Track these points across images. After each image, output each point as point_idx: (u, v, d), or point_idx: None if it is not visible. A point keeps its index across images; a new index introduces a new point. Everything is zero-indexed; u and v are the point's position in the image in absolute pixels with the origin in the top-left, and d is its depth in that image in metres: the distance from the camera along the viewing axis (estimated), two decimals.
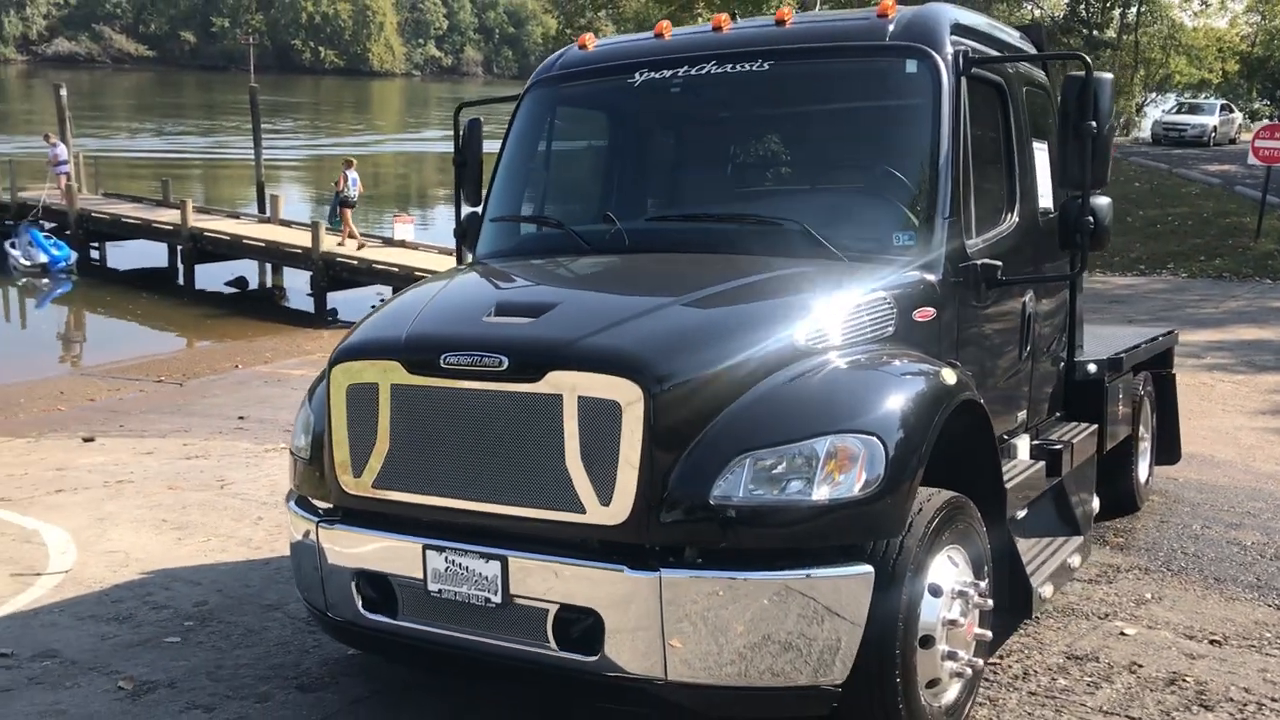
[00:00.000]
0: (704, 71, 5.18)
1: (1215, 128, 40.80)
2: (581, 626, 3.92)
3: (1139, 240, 25.52)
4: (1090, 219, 4.96)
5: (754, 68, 5.09)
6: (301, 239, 24.38)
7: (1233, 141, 41.35)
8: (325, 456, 4.41)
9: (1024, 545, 5.53)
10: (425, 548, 4.14)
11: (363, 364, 4.28)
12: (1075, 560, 5.67)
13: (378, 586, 4.33)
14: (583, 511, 3.87)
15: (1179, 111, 43.99)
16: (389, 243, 25.26)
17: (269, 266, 27.12)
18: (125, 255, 29.65)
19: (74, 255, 27.11)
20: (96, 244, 29.62)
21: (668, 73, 5.26)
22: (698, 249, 4.94)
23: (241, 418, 12.59)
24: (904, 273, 4.64)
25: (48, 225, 28.83)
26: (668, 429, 3.80)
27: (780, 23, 5.25)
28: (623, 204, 5.53)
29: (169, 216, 27.16)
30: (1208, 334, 16.59)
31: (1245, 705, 4.88)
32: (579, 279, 4.94)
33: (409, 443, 4.18)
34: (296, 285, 25.96)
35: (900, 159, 4.99)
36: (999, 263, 4.95)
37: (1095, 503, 6.32)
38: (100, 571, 6.86)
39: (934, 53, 4.88)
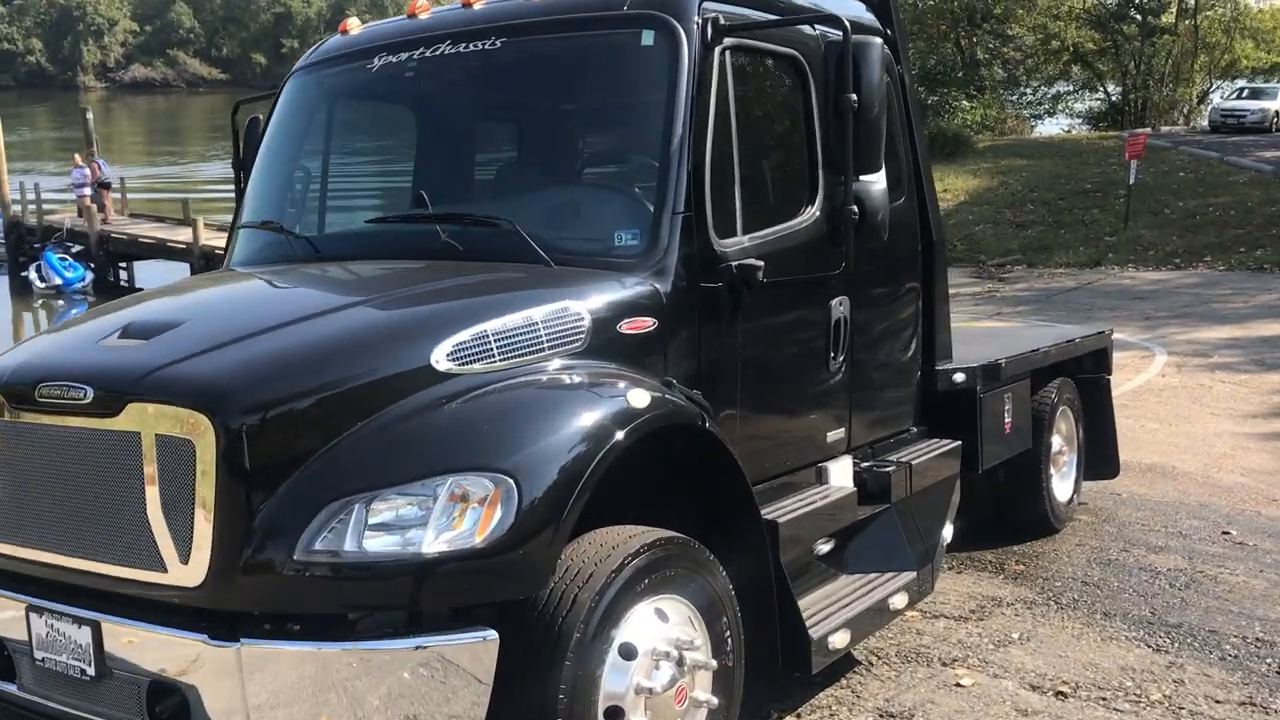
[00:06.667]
0: (438, 53, 4.58)
1: (1278, 112, 38.94)
2: (172, 704, 3.34)
3: (1176, 233, 24.24)
4: (855, 209, 4.25)
5: (486, 46, 4.48)
6: None
7: None
8: None
9: (830, 585, 4.86)
10: (29, 609, 3.60)
11: None
12: (899, 600, 4.94)
13: None
14: (164, 570, 3.30)
15: (1238, 96, 42.13)
16: None
17: None
18: (153, 275, 29.78)
19: (89, 276, 27.34)
20: (124, 264, 29.84)
21: (404, 55, 4.68)
22: (414, 253, 4.34)
23: None
24: (617, 277, 3.98)
25: (75, 248, 29.17)
26: (250, 472, 3.21)
27: None
28: (373, 201, 4.98)
29: (184, 235, 27.20)
30: (1225, 330, 15.55)
31: None
32: (243, 291, 4.37)
33: (8, 488, 3.65)
34: None
35: (633, 146, 4.35)
36: (759, 263, 4.26)
37: (947, 531, 5.56)
38: None
39: (674, 21, 4.22)
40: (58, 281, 26.70)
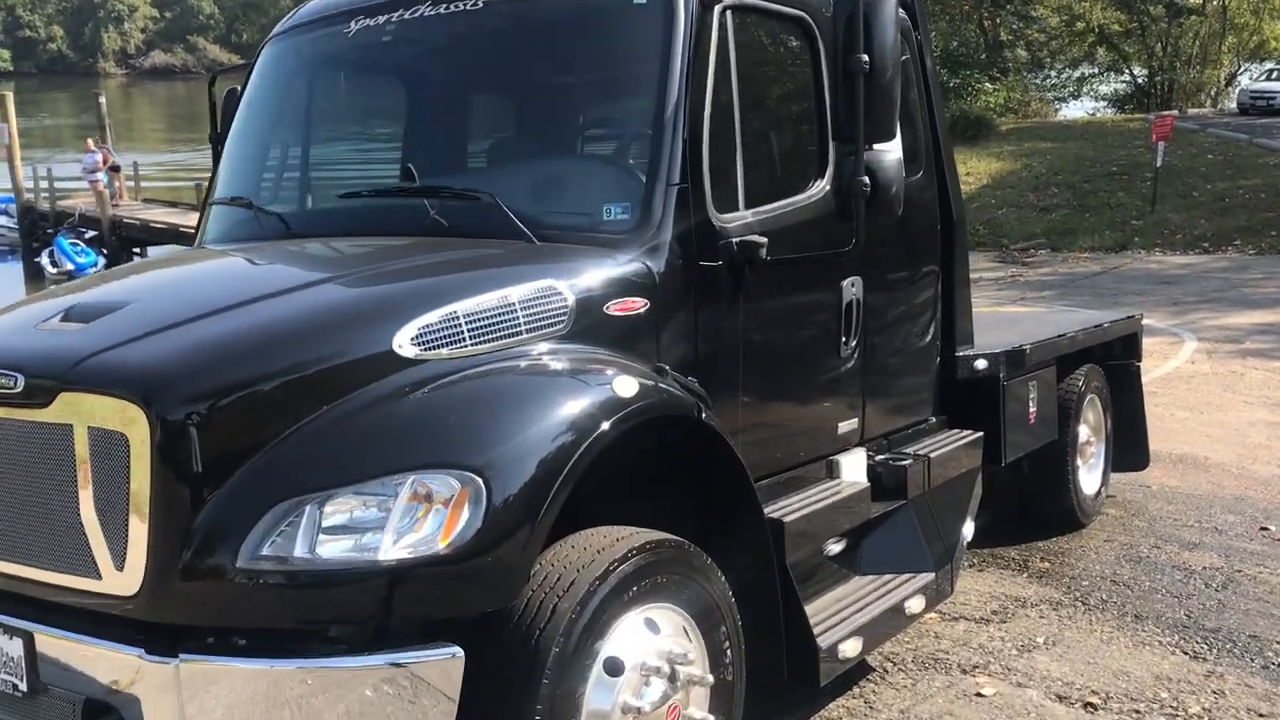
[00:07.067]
0: (417, 15, 4.24)
1: None
2: None
3: (1204, 216, 23.70)
4: (866, 180, 3.89)
5: (467, 6, 4.14)
6: None
7: None
8: None
9: (841, 588, 4.53)
10: None
11: None
12: (916, 604, 4.59)
13: None
14: (99, 577, 2.99)
15: (1267, 78, 41.30)
16: None
17: None
18: None
19: (101, 261, 27.15)
20: (138, 249, 29.64)
21: (381, 18, 4.34)
22: (389, 230, 4.01)
23: None
24: (605, 254, 3.65)
25: (88, 233, 29.03)
26: (189, 468, 2.88)
27: None
28: (349, 174, 4.68)
29: (196, 220, 26.91)
30: (1257, 315, 15.10)
31: None
32: (198, 271, 4.05)
33: None
34: None
35: (624, 113, 4.01)
36: (763, 240, 3.91)
37: (968, 528, 5.21)
38: None
39: None
40: (70, 267, 26.51)
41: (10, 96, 30.93)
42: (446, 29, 4.20)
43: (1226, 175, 26.34)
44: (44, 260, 27.35)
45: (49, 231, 29.42)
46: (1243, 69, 50.54)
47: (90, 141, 31.27)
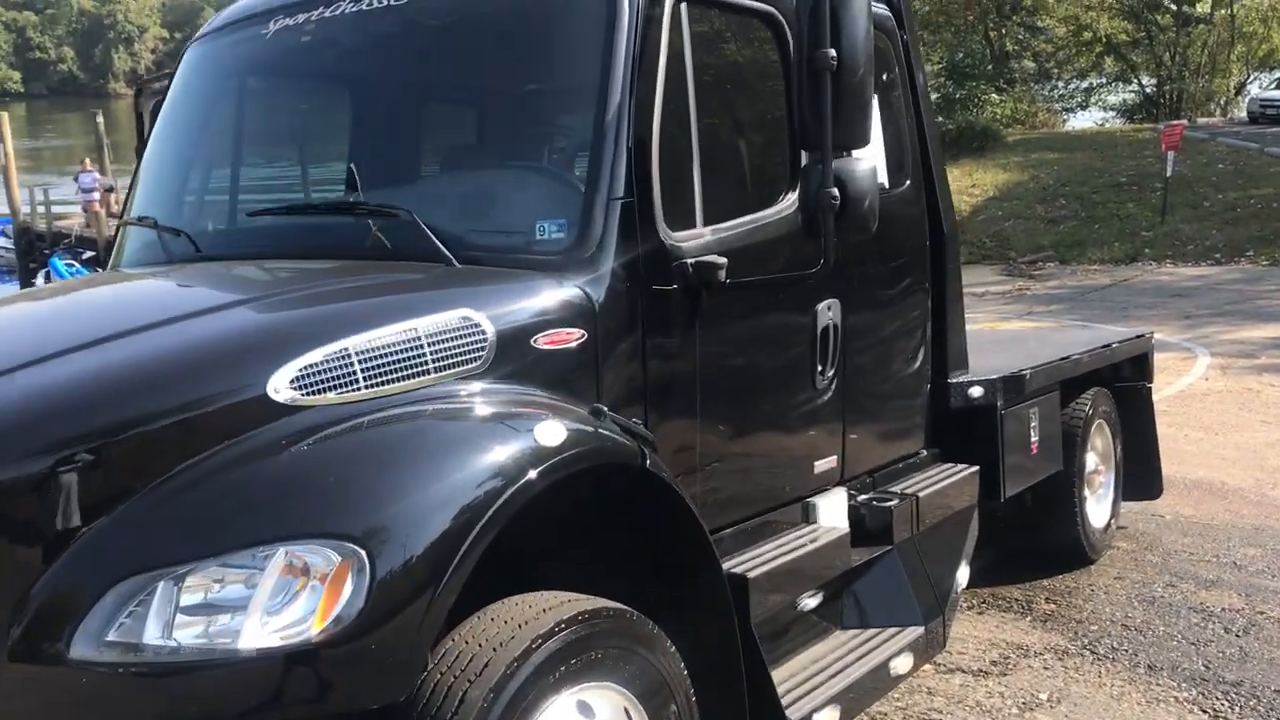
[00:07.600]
0: (338, 12, 3.81)
1: None
2: None
3: (1216, 226, 23.20)
4: (834, 192, 3.43)
5: (390, 1, 3.70)
6: None
7: None
8: None
9: (818, 647, 4.06)
10: None
11: None
12: (902, 663, 4.12)
13: None
14: None
15: (1277, 87, 40.81)
16: None
17: None
18: None
19: None
20: None
21: (300, 18, 3.91)
22: (303, 252, 3.59)
23: None
24: (536, 278, 3.20)
25: (85, 254, 28.71)
26: (19, 539, 2.45)
27: None
28: (266, 191, 4.25)
29: None
30: (1272, 329, 14.63)
31: None
32: (67, 303, 3.63)
33: None
34: None
35: (560, 117, 3.57)
36: (722, 260, 3.46)
37: (963, 574, 4.74)
38: None
39: None
40: None
41: (5, 117, 30.65)
42: (369, 28, 3.77)
43: (1238, 185, 25.81)
44: (39, 282, 27.02)
45: (45, 252, 29.12)
46: (1252, 78, 49.98)
47: (86, 161, 31.04)
